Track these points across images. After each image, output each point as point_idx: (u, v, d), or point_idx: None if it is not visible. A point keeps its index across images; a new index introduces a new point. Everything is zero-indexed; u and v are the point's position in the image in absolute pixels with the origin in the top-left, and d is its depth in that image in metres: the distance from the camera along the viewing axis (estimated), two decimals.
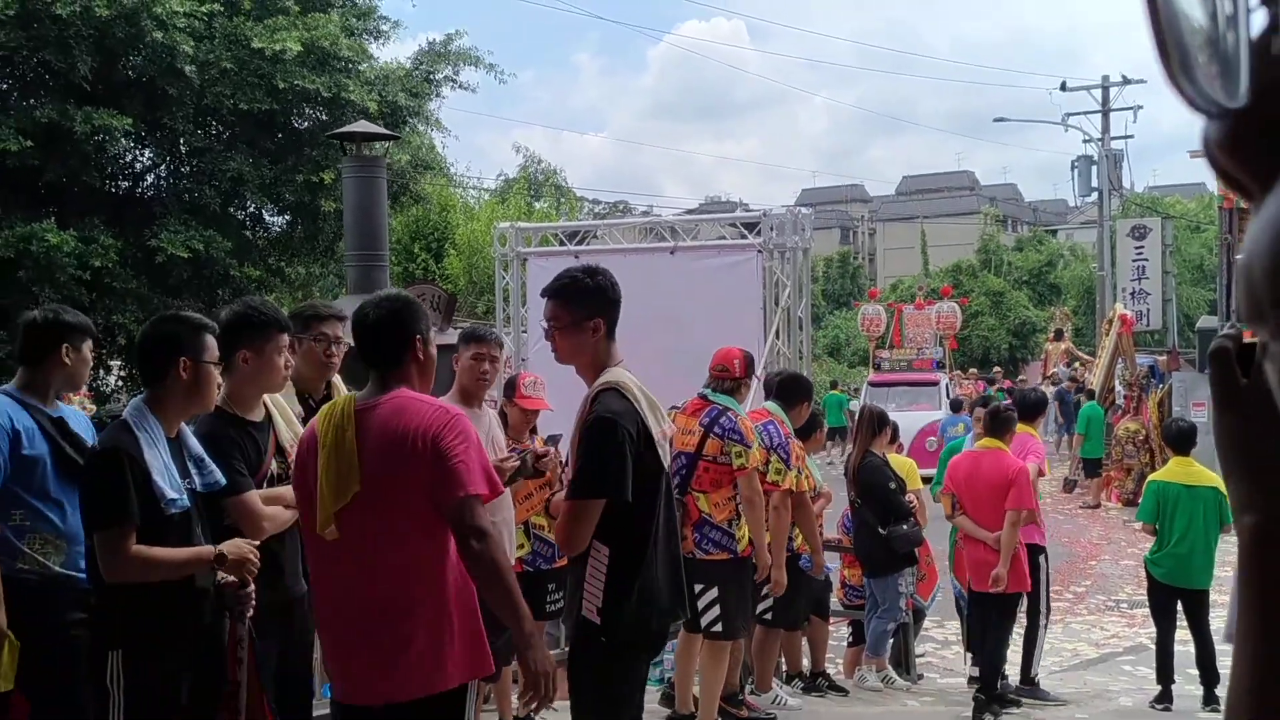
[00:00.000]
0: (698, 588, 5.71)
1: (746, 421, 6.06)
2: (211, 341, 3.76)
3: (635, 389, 3.72)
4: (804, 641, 7.94)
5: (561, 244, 11.17)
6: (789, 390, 7.10)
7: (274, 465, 4.16)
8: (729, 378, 6.20)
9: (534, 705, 3.52)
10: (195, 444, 3.76)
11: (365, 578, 3.33)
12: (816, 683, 7.82)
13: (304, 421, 4.25)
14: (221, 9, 19.04)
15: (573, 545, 3.71)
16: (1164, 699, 7.39)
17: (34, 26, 17.59)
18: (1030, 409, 8.21)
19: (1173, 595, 7.38)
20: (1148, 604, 7.76)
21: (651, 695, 7.11)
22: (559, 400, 6.22)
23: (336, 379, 4.87)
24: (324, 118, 20.33)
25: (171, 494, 3.52)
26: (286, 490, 3.98)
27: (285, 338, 4.18)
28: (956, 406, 18.36)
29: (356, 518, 3.30)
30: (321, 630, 3.73)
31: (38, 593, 4.05)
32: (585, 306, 3.79)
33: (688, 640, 6.23)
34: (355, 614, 3.37)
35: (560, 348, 3.91)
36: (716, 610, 5.90)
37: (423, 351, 3.53)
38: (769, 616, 6.89)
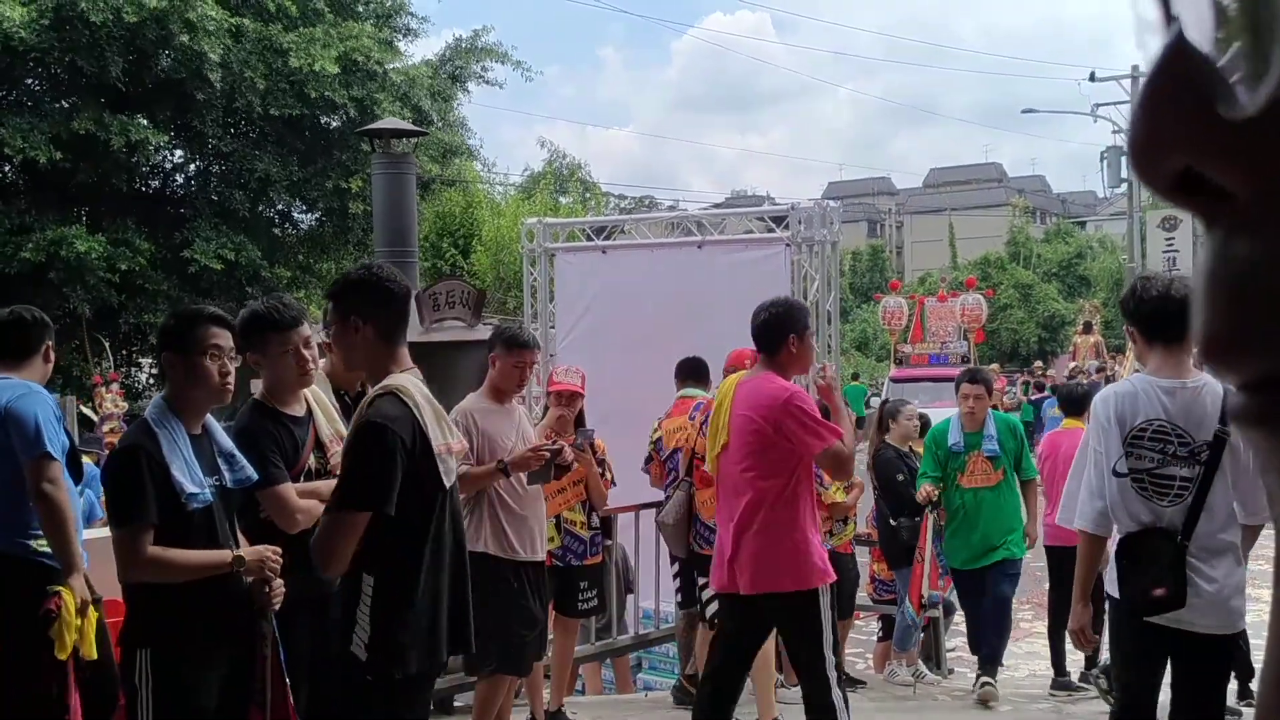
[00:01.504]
0: (700, 581, 6.12)
1: None
2: (206, 332, 3.66)
3: (418, 395, 3.40)
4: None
5: (589, 239, 11.17)
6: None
7: (312, 460, 4.15)
8: None
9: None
10: (225, 440, 3.74)
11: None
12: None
13: (344, 418, 4.25)
14: (251, 22, 19.08)
15: (331, 563, 3.35)
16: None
17: (65, 29, 17.72)
18: (1076, 403, 8.15)
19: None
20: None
21: (660, 698, 7.14)
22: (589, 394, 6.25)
23: None
24: (354, 117, 20.48)
25: (192, 488, 3.50)
26: (323, 484, 4.00)
27: (294, 335, 4.06)
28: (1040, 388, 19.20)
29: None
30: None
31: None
32: (347, 306, 3.52)
33: (708, 636, 6.25)
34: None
35: (334, 351, 3.82)
36: (717, 604, 6.02)
37: (796, 346, 4.66)
38: None
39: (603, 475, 6.37)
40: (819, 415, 4.63)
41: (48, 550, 4.40)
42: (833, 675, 4.65)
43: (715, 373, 6.71)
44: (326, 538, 3.33)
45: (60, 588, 4.29)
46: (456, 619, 3.53)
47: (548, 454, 5.28)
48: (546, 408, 6.30)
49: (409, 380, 3.43)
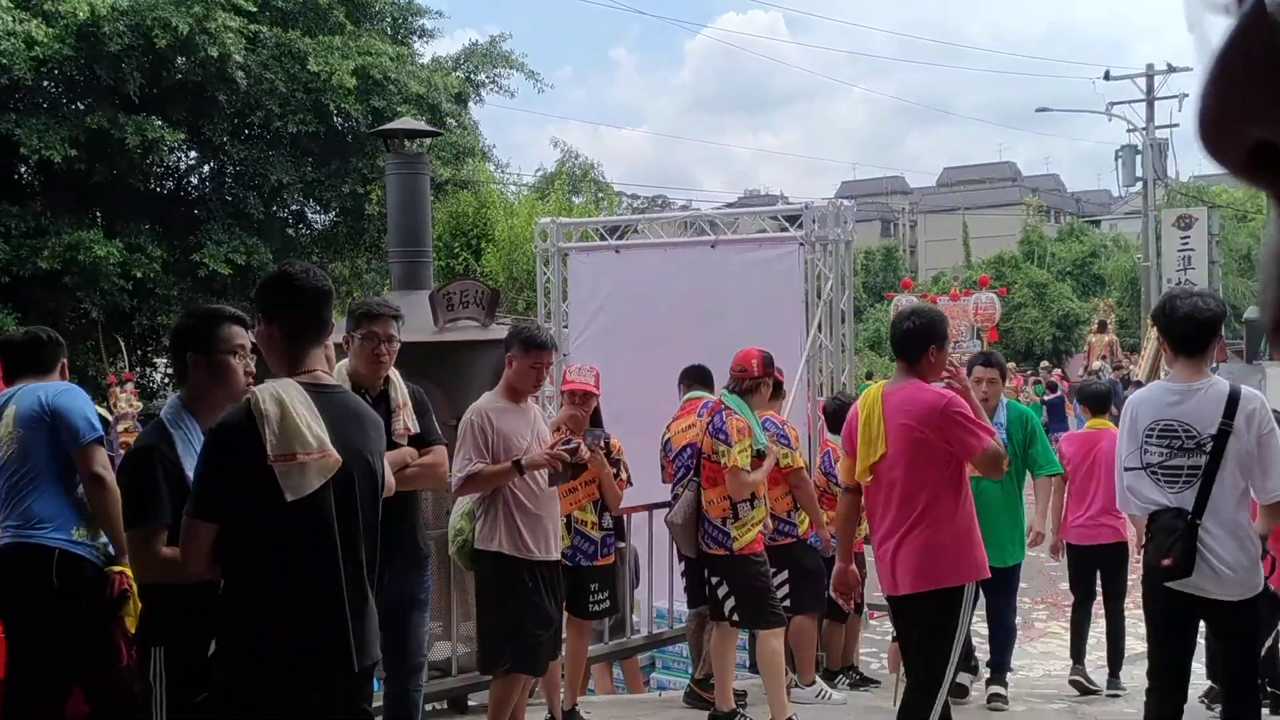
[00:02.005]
0: (713, 580, 6.22)
1: (736, 421, 6.10)
2: (228, 332, 3.68)
3: (270, 403, 3.15)
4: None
5: (602, 239, 11.17)
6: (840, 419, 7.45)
7: None
8: (747, 377, 6.29)
9: None
10: None
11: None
12: (839, 677, 7.76)
13: None
14: (269, 29, 19.16)
15: (186, 567, 3.28)
16: (1216, 695, 7.28)
17: (86, 43, 17.81)
18: (1098, 400, 8.06)
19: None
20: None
21: (673, 698, 7.13)
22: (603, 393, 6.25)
23: (394, 374, 4.85)
24: (370, 124, 20.54)
25: None
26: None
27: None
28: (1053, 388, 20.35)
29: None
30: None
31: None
32: (259, 306, 3.45)
33: (723, 634, 6.26)
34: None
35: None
36: (732, 601, 6.14)
37: (935, 356, 4.79)
38: (787, 603, 6.94)
39: (617, 475, 6.36)
40: (976, 418, 4.79)
41: (81, 540, 4.61)
42: (949, 677, 4.71)
43: (724, 372, 6.68)
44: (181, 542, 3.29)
45: (120, 567, 4.51)
46: (329, 636, 3.22)
47: (566, 455, 5.27)
48: (561, 407, 6.31)
49: (280, 385, 3.22)
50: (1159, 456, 4.66)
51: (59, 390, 4.68)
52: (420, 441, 4.83)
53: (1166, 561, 4.52)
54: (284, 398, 3.17)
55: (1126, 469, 4.81)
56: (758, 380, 6.29)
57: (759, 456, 6.13)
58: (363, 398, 4.42)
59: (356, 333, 4.77)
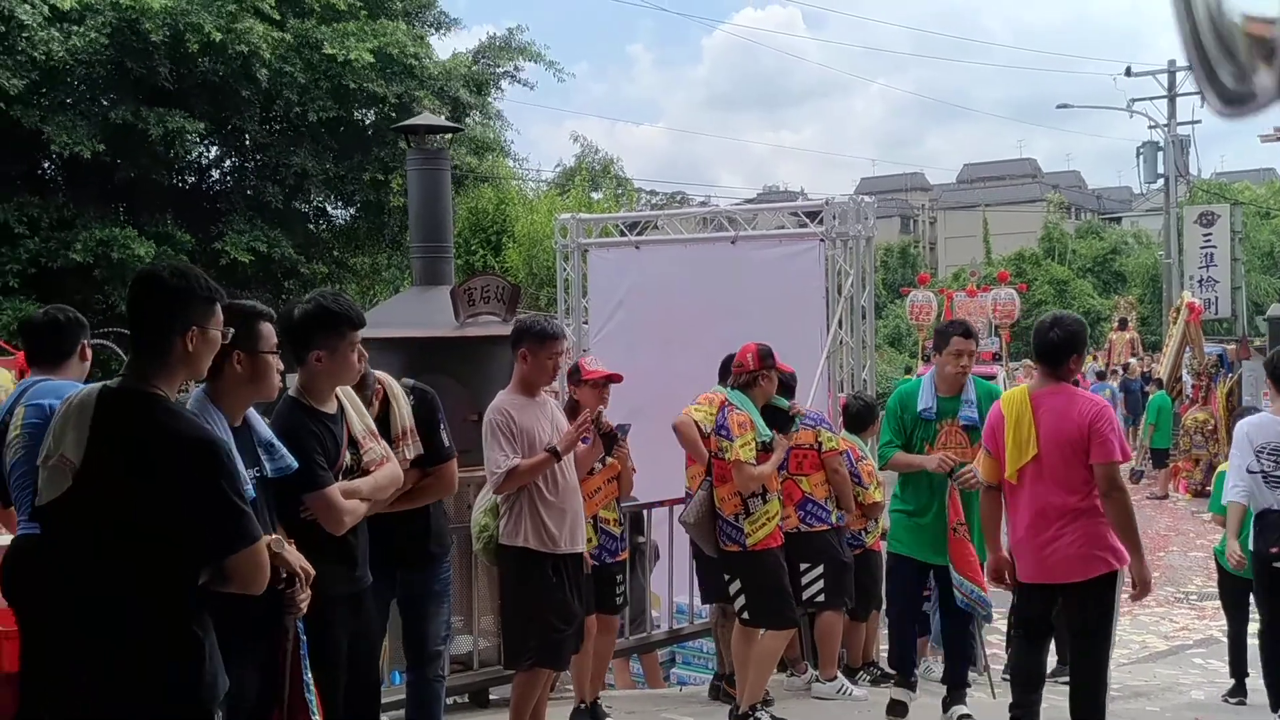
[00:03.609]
0: (727, 576, 6.24)
1: (736, 416, 6.10)
2: (267, 330, 3.62)
3: (65, 405, 3.06)
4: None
5: (622, 234, 11.19)
6: (860, 419, 7.76)
7: (347, 457, 4.18)
8: (744, 371, 6.27)
9: None
10: (264, 429, 3.70)
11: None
12: (860, 673, 7.76)
13: None
14: (293, 20, 19.26)
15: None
16: (1237, 693, 7.28)
17: (119, 38, 17.94)
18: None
19: (1246, 587, 7.26)
20: (1218, 596, 7.64)
21: (694, 693, 7.15)
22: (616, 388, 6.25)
23: (397, 392, 4.70)
24: (390, 114, 20.57)
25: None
26: (363, 483, 4.07)
27: (358, 334, 4.17)
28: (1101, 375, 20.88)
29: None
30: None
31: None
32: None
33: (744, 632, 6.26)
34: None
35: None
36: (743, 599, 6.16)
37: (1075, 364, 5.35)
38: (820, 599, 6.95)
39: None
40: (1121, 433, 5.33)
41: None
42: (1112, 658, 5.33)
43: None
44: None
45: None
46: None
47: (592, 426, 5.26)
48: (571, 400, 6.21)
49: (84, 388, 3.09)
50: (1270, 466, 6.22)
51: (60, 400, 4.52)
52: (428, 461, 4.68)
53: (1274, 550, 6.20)
54: (81, 400, 3.05)
55: (1249, 472, 6.31)
56: (755, 374, 6.27)
57: (765, 450, 6.11)
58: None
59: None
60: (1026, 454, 5.18)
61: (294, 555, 3.51)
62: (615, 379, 6.11)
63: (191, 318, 3.02)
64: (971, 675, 8.07)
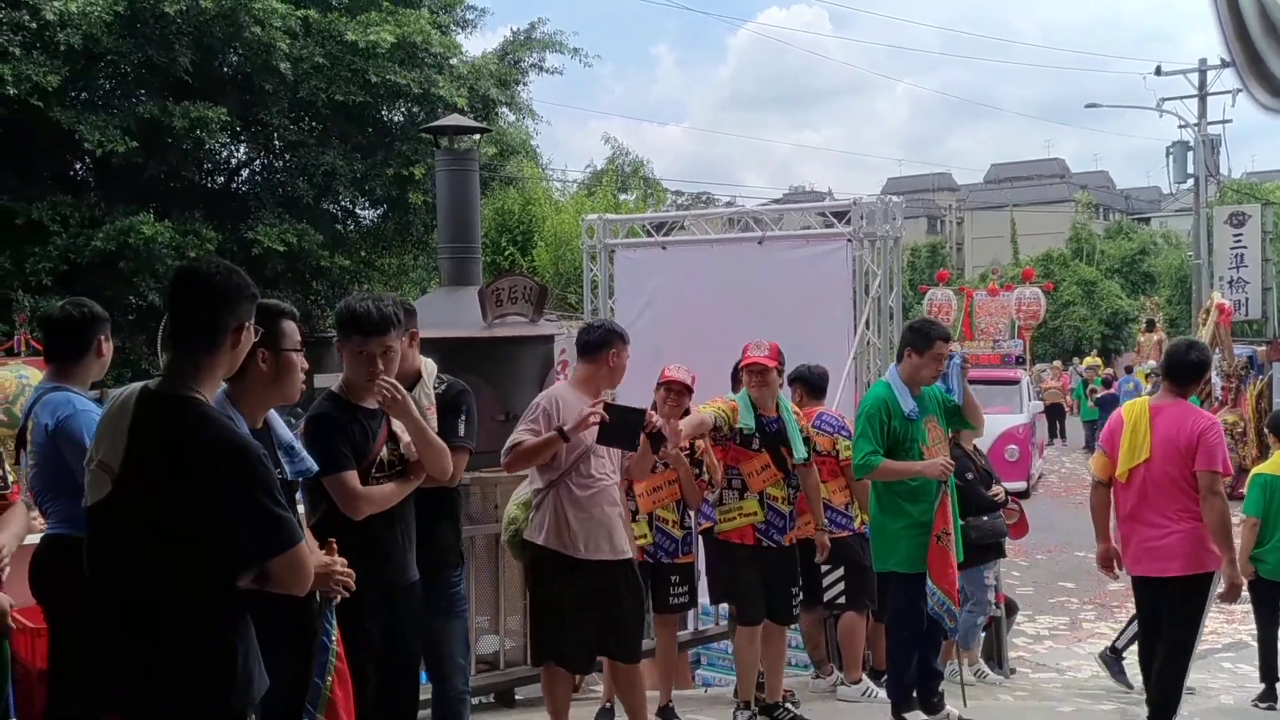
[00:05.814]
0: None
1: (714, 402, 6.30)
2: (290, 328, 3.51)
3: (108, 406, 3.07)
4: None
5: (649, 235, 11.20)
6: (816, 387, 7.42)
7: (385, 451, 4.21)
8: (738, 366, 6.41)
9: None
10: (285, 432, 3.61)
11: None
12: (885, 676, 7.71)
13: None
14: (316, 14, 19.39)
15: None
16: (1268, 698, 7.21)
17: (137, 26, 18.05)
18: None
19: (1276, 591, 7.21)
20: (1249, 600, 7.57)
21: (719, 694, 7.14)
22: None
23: (427, 373, 4.71)
24: (414, 110, 20.59)
25: None
26: (385, 489, 4.15)
27: (372, 341, 4.16)
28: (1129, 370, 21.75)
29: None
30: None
31: None
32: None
33: (768, 632, 6.27)
34: None
35: None
36: (704, 582, 6.44)
37: (1202, 384, 5.78)
38: (841, 601, 7.00)
39: (699, 476, 6.33)
40: (1225, 447, 5.82)
41: None
42: (1193, 656, 5.79)
43: (792, 367, 6.93)
44: None
45: None
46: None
47: (603, 413, 5.02)
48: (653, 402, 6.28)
49: (125, 390, 3.07)
50: None
51: (63, 415, 4.36)
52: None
53: None
54: (121, 401, 3.05)
55: None
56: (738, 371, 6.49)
57: (744, 441, 6.11)
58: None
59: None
60: (1139, 456, 5.75)
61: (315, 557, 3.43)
62: (687, 388, 6.27)
63: (240, 314, 3.03)
64: (995, 675, 8.06)
